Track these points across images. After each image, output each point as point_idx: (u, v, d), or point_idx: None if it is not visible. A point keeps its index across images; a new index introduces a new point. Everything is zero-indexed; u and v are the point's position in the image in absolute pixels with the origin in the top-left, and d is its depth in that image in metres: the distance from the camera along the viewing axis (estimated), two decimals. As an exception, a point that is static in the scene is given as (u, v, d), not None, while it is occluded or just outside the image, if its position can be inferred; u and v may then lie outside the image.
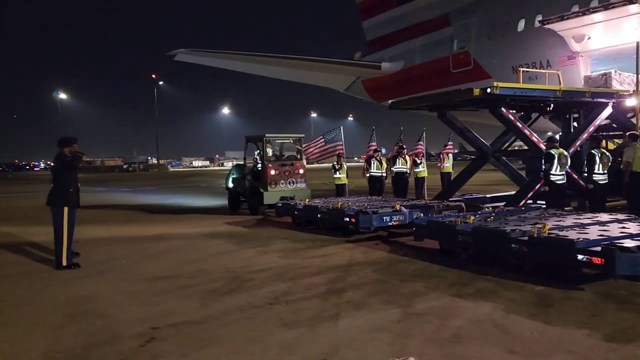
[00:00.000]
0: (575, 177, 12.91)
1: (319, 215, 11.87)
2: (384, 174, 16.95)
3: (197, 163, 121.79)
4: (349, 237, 11.07)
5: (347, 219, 10.93)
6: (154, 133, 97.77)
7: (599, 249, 6.30)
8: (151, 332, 5.39)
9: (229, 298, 6.65)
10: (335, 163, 17.69)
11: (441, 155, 20.58)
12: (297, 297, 6.57)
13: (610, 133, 16.08)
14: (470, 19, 23.16)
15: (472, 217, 8.58)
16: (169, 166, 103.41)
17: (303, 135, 16.81)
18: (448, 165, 20.42)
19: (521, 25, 20.64)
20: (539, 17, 19.85)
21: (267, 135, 15.90)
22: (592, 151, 11.65)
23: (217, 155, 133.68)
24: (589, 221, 8.24)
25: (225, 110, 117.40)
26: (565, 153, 11.47)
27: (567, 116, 15.49)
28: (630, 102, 14.06)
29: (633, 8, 14.88)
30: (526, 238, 7.14)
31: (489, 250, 7.91)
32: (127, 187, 36.50)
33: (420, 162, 18.68)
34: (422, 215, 11.10)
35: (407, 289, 6.86)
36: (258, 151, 16.37)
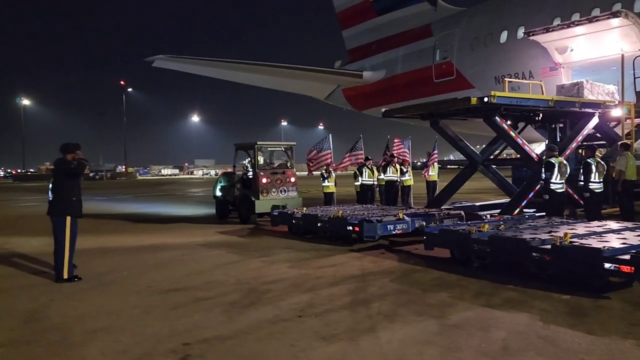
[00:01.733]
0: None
1: (319, 224, 11.67)
2: (376, 183, 16.89)
3: (165, 171, 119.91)
4: (352, 246, 10.92)
5: (350, 228, 10.78)
6: (121, 140, 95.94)
7: (627, 257, 6.31)
8: (184, 349, 5.11)
9: (253, 311, 6.39)
10: (323, 171, 17.52)
11: (428, 164, 20.64)
12: (323, 309, 6.36)
13: (595, 143, 16.39)
14: (452, 30, 23.44)
15: (487, 226, 8.54)
16: (137, 174, 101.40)
17: (294, 144, 16.60)
18: (433, 173, 20.49)
19: (504, 36, 20.98)
20: (522, 29, 20.26)
21: (259, 142, 15.64)
22: (588, 160, 11.78)
23: (186, 164, 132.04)
24: (601, 229, 8.29)
25: (195, 118, 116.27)
26: (565, 162, 11.60)
27: (553, 126, 15.75)
28: (615, 112, 14.36)
29: (616, 21, 15.28)
30: (549, 247, 7.12)
31: (508, 259, 7.86)
32: (100, 195, 35.49)
33: (407, 171, 18.70)
34: (424, 223, 11.06)
35: (433, 299, 6.74)
36: (249, 159, 16.10)
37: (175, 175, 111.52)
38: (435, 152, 21.12)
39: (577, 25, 16.34)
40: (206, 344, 5.22)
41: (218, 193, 17.16)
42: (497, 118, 13.37)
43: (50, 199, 9.12)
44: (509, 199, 15.75)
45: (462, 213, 12.02)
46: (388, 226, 10.68)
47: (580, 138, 14.05)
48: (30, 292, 7.67)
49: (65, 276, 8.15)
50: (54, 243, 8.35)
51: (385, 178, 17.14)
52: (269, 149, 16.50)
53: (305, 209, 13.08)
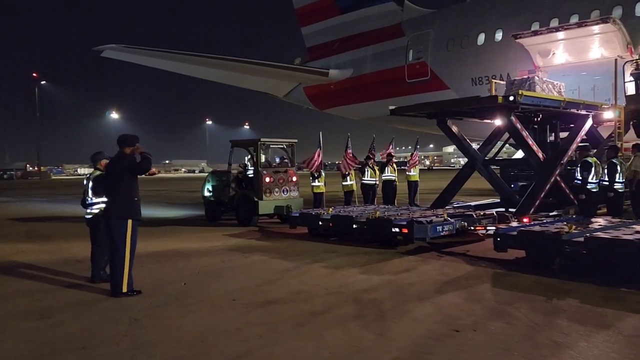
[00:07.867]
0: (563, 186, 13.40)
1: (354, 226, 11.01)
2: (377, 182, 16.42)
3: (82, 171, 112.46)
4: (395, 249, 10.39)
5: (397, 230, 10.23)
6: (27, 137, 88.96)
7: None
8: (379, 376, 4.33)
9: (393, 325, 5.66)
10: (313, 171, 16.82)
11: (409, 163, 20.45)
12: (470, 321, 5.73)
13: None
14: (426, 30, 23.42)
15: (573, 226, 8.29)
16: (51, 174, 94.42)
17: (296, 141, 15.72)
18: (415, 173, 20.33)
19: (481, 39, 21.20)
20: (500, 32, 20.63)
21: (262, 139, 14.64)
22: (613, 160, 11.95)
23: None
24: (678, 229, 8.30)
25: (114, 115, 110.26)
26: (599, 162, 11.70)
27: (545, 127, 15.99)
28: (607, 114, 14.74)
29: (604, 27, 15.78)
30: (664, 248, 6.96)
31: (611, 261, 7.59)
32: (35, 197, 32.47)
33: (393, 170, 18.39)
34: (465, 224, 10.80)
35: (568, 306, 6.31)
36: (249, 157, 15.06)
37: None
38: (416, 152, 21.03)
39: (565, 29, 16.78)
40: (398, 369, 4.47)
41: (207, 193, 15.93)
42: (512, 118, 13.34)
43: (90, 200, 7.90)
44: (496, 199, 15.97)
45: (495, 213, 11.83)
46: (437, 227, 10.24)
47: (579, 139, 14.33)
48: (95, 310, 6.42)
49: (124, 289, 6.94)
50: (110, 251, 7.10)
51: (383, 178, 16.72)
52: (271, 146, 15.50)
53: (331, 209, 12.34)
